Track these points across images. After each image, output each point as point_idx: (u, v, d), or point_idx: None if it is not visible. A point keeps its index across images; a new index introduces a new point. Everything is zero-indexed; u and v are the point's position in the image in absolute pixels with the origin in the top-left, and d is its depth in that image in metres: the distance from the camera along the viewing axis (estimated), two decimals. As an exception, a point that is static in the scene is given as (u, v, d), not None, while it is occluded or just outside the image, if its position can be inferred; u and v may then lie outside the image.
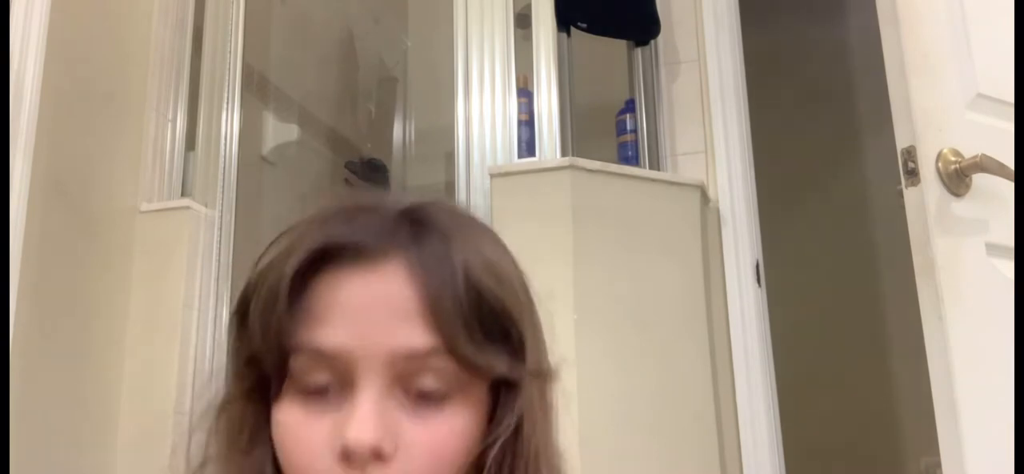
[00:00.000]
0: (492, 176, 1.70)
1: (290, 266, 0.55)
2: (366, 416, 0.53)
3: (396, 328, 0.55)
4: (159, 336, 1.75)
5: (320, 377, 0.55)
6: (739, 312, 1.77)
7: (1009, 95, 1.40)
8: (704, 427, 1.66)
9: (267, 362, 0.56)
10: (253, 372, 0.58)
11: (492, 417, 0.58)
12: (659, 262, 1.71)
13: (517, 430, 0.58)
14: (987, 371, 1.25)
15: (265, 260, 0.58)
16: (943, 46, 1.37)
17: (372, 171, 2.49)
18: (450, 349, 0.55)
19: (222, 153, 1.94)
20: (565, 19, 1.84)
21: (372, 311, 0.55)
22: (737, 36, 1.98)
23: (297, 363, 0.55)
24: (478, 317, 0.56)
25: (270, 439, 0.57)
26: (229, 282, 1.85)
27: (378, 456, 0.53)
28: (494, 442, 0.57)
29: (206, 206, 1.87)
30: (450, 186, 1.82)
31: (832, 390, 2.72)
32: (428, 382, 0.55)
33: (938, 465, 1.23)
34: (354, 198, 0.60)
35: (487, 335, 0.56)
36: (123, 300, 1.75)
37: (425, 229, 0.58)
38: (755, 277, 1.82)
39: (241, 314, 0.59)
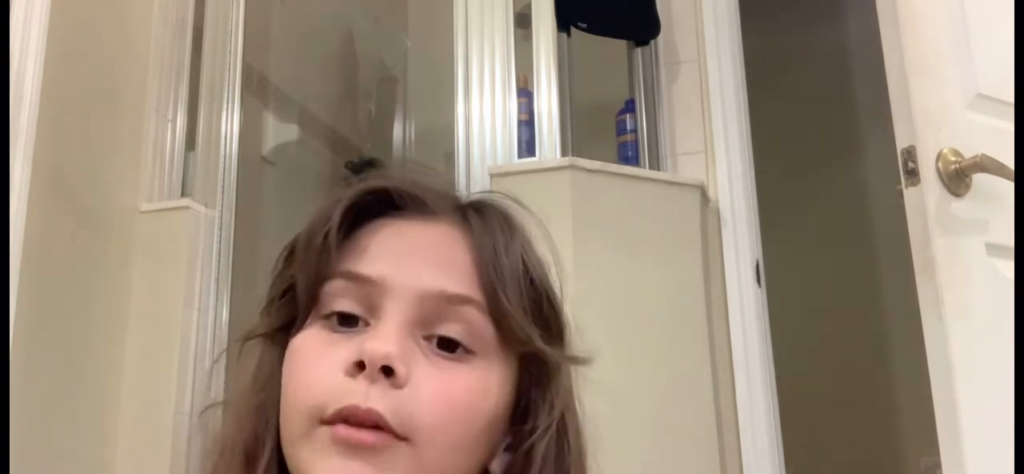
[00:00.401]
0: (492, 176, 1.70)
1: (346, 198, 0.56)
2: (388, 332, 0.52)
3: (438, 270, 0.55)
4: (159, 336, 1.75)
5: (347, 304, 0.55)
6: (739, 312, 1.77)
7: (1009, 95, 1.40)
8: (704, 427, 1.66)
9: (300, 285, 0.56)
10: (282, 310, 0.58)
11: (522, 404, 0.57)
12: (659, 262, 1.71)
13: (560, 424, 0.57)
14: (987, 371, 1.25)
15: (328, 201, 0.58)
16: (943, 46, 1.37)
17: (372, 171, 2.48)
18: (492, 305, 0.54)
19: (222, 153, 1.94)
20: (565, 19, 1.84)
21: (418, 251, 0.55)
22: (737, 36, 1.98)
23: (330, 287, 0.55)
24: (524, 290, 0.56)
25: (280, 380, 0.56)
26: (229, 282, 1.85)
27: (389, 373, 0.51)
28: (540, 431, 0.56)
29: (206, 206, 1.87)
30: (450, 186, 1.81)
31: (832, 390, 2.72)
32: (454, 329, 0.54)
33: (938, 465, 1.23)
34: (418, 172, 0.62)
35: (529, 311, 0.56)
36: (123, 300, 1.75)
37: (485, 207, 0.59)
38: (755, 277, 1.82)
39: (290, 250, 0.59)
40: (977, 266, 1.30)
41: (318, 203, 0.59)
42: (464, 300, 0.54)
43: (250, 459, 0.55)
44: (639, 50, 1.95)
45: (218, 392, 0.63)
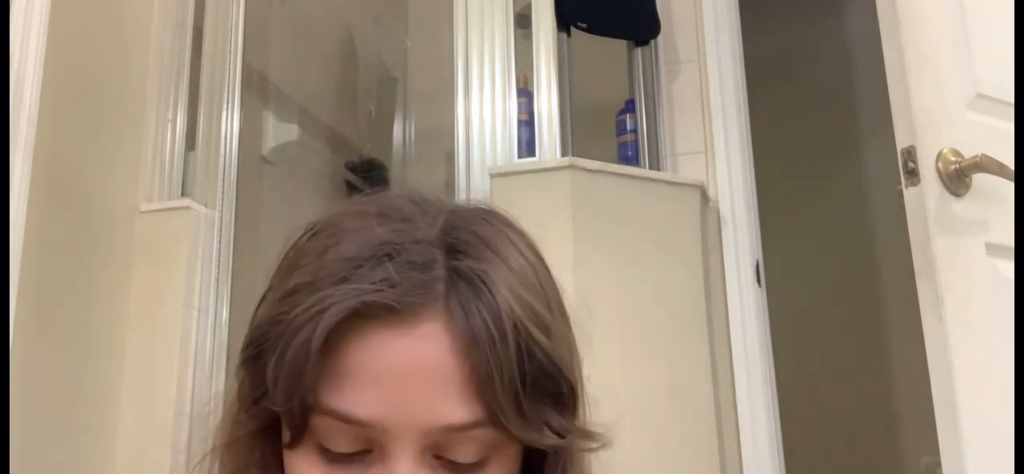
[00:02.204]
0: (492, 176, 1.70)
1: (319, 333, 0.49)
2: None
3: (435, 400, 0.50)
4: (159, 336, 1.75)
5: (346, 442, 0.51)
6: (739, 312, 1.77)
7: (1009, 95, 1.40)
8: (704, 427, 1.66)
9: (286, 418, 0.52)
10: (265, 414, 0.54)
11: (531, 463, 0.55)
12: (659, 262, 1.71)
13: None
14: (987, 371, 1.25)
15: (280, 296, 0.53)
16: (943, 46, 1.37)
17: (372, 171, 2.49)
18: (494, 423, 0.50)
19: (222, 153, 1.94)
20: (565, 19, 1.84)
21: (408, 380, 0.50)
22: (737, 36, 1.98)
23: (322, 424, 0.51)
24: (528, 384, 0.51)
25: None
26: (229, 282, 1.85)
27: None
28: None
29: (206, 206, 1.87)
30: (450, 186, 1.82)
31: (832, 390, 2.72)
32: (466, 452, 0.52)
33: (938, 465, 1.23)
34: (382, 222, 0.54)
35: (535, 400, 0.52)
36: (123, 300, 1.75)
37: (463, 273, 0.52)
38: (755, 277, 1.82)
39: (252, 357, 0.54)
40: (977, 266, 1.30)
41: (287, 254, 0.55)
42: (471, 426, 0.51)
43: None
44: (639, 50, 1.95)
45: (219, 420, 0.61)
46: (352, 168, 2.46)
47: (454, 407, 0.50)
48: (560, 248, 1.61)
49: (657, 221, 1.74)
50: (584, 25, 1.87)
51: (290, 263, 0.55)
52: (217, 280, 1.84)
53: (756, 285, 1.81)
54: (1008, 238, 1.34)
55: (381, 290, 0.50)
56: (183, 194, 1.89)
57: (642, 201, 1.74)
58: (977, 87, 1.39)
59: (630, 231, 1.70)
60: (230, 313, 1.84)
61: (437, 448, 0.51)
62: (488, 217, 0.57)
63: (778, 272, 2.02)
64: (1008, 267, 1.32)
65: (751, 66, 2.02)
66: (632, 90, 1.93)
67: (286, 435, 0.53)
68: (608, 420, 0.61)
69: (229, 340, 1.82)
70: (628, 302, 1.65)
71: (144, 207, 1.83)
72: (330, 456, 0.51)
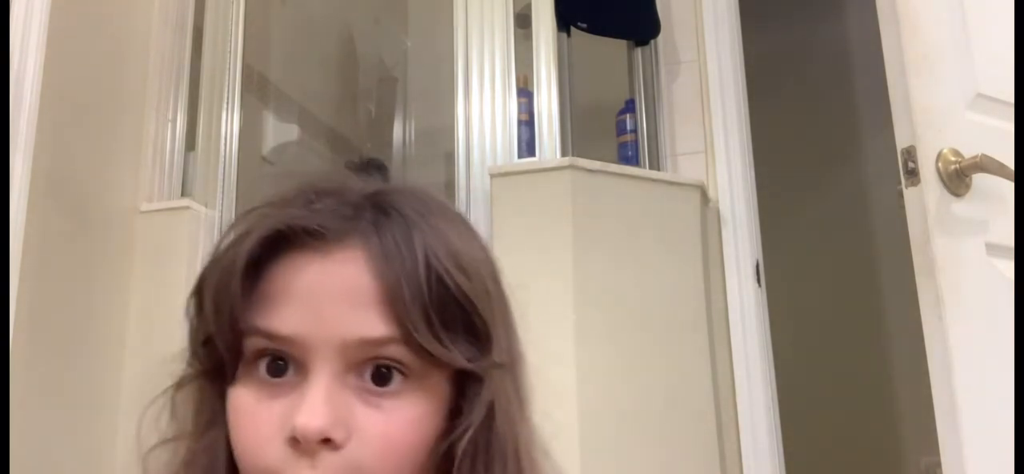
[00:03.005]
0: (492, 176, 1.70)
1: (245, 248, 0.54)
2: (316, 402, 0.52)
3: (352, 315, 0.53)
4: (159, 336, 1.75)
5: (274, 362, 0.55)
6: (739, 312, 1.77)
7: (1009, 95, 1.40)
8: (704, 427, 1.66)
9: (221, 343, 0.56)
10: (210, 353, 0.57)
11: (457, 409, 0.57)
12: (659, 262, 1.71)
13: (489, 423, 0.57)
14: (987, 371, 1.25)
15: (225, 242, 0.57)
16: (943, 46, 1.37)
17: (372, 171, 2.48)
18: (407, 339, 0.53)
19: (222, 153, 1.93)
20: (565, 19, 1.84)
21: (328, 297, 0.54)
22: (737, 36, 1.98)
23: (252, 343, 0.55)
24: (439, 307, 0.54)
25: (226, 421, 0.56)
26: (229, 282, 1.85)
27: (327, 442, 0.52)
28: (463, 434, 0.56)
29: (206, 206, 1.87)
30: (450, 186, 1.81)
31: (832, 390, 2.72)
32: (383, 370, 0.54)
33: (938, 465, 1.23)
34: (319, 180, 0.59)
35: (448, 325, 0.55)
36: (123, 300, 1.75)
37: (388, 215, 0.56)
38: (755, 277, 1.82)
39: (198, 295, 0.58)
40: (977, 266, 1.30)
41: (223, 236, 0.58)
42: (386, 341, 0.54)
43: None
44: (639, 50, 1.95)
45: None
46: (352, 168, 2.45)
47: (369, 322, 0.53)
48: (560, 248, 1.61)
49: (657, 221, 1.74)
50: (584, 25, 1.87)
51: (231, 225, 0.59)
52: (217, 280, 1.83)
53: (756, 285, 1.81)
54: (1008, 238, 1.34)
55: (307, 215, 0.55)
56: (183, 194, 1.89)
57: (642, 201, 1.74)
58: (977, 87, 1.39)
59: (630, 231, 1.70)
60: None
61: (358, 366, 0.54)
62: (421, 194, 0.61)
63: (778, 272, 2.02)
64: (1008, 267, 1.32)
65: (751, 66, 2.02)
66: (632, 90, 1.93)
67: (228, 370, 0.56)
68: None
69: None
70: (628, 302, 1.65)
71: (144, 207, 1.83)
72: (261, 383, 0.55)
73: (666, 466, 1.61)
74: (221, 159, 1.93)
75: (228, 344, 0.55)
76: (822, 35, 3.09)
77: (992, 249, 1.32)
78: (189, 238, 1.80)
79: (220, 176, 1.91)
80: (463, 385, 0.57)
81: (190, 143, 1.94)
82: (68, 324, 1.62)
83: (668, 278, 1.71)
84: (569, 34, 1.85)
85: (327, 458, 0.52)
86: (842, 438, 2.71)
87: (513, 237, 1.63)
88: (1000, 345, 1.27)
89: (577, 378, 1.52)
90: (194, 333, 0.59)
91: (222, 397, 0.57)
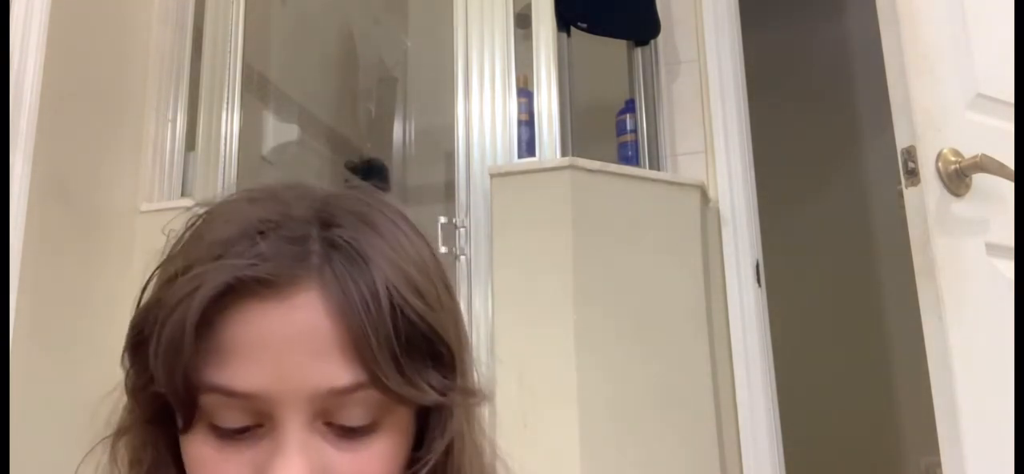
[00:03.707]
0: (492, 176, 1.70)
1: (194, 306, 0.50)
2: (291, 455, 0.50)
3: (316, 365, 0.51)
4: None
5: (234, 416, 0.51)
6: (739, 312, 1.77)
7: (1009, 95, 1.40)
8: (704, 427, 1.66)
9: (173, 400, 0.52)
10: (152, 401, 0.54)
11: (419, 437, 0.56)
12: (659, 262, 1.71)
13: (447, 452, 0.56)
14: (987, 371, 1.25)
15: (159, 283, 0.55)
16: (943, 46, 1.37)
17: (372, 171, 2.49)
18: (375, 384, 0.51)
19: (222, 153, 1.93)
20: (565, 19, 1.83)
21: (288, 348, 0.50)
22: (737, 36, 1.98)
23: (209, 401, 0.51)
24: (404, 344, 0.52)
25: (174, 466, 0.54)
26: (229, 282, 1.85)
27: None
28: (424, 465, 0.55)
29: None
30: (450, 186, 1.81)
31: (832, 390, 2.72)
32: (354, 416, 0.52)
33: (938, 465, 1.23)
34: (260, 209, 0.54)
35: (415, 360, 0.53)
36: (123, 300, 1.75)
37: (338, 244, 0.53)
38: (755, 277, 1.82)
39: (135, 345, 0.55)
40: (977, 266, 1.30)
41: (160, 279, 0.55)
42: (354, 388, 0.51)
43: None
44: (639, 50, 1.95)
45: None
46: (352, 168, 2.46)
47: (335, 370, 0.51)
48: (560, 248, 1.61)
49: (657, 221, 1.74)
50: (584, 25, 1.87)
51: (169, 253, 0.57)
52: (217, 280, 1.83)
53: (756, 285, 1.81)
54: (1008, 238, 1.34)
55: (255, 263, 0.51)
56: (183, 194, 1.89)
57: (642, 201, 1.74)
58: (977, 87, 1.39)
59: (630, 231, 1.70)
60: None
61: (326, 415, 0.52)
62: (365, 197, 0.58)
63: (778, 272, 2.02)
64: (1008, 267, 1.32)
65: (751, 66, 2.02)
66: (632, 90, 1.93)
67: (179, 419, 0.53)
68: (488, 379, 0.61)
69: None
70: (628, 302, 1.65)
71: (144, 207, 1.83)
72: (222, 433, 0.52)
73: (666, 466, 1.61)
74: (221, 159, 1.93)
75: (182, 401, 0.52)
76: (822, 35, 3.09)
77: (992, 249, 1.32)
78: (189, 238, 1.80)
79: (220, 176, 1.91)
80: (427, 413, 0.56)
81: (190, 143, 1.94)
82: (68, 323, 1.62)
83: (668, 278, 1.71)
84: (569, 34, 1.85)
85: None
86: (842, 438, 2.71)
87: (513, 237, 1.63)
88: (1000, 345, 1.27)
89: (577, 378, 1.51)
90: (133, 382, 0.56)
91: (167, 442, 0.55)
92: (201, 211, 0.58)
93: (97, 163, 1.73)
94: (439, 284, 0.57)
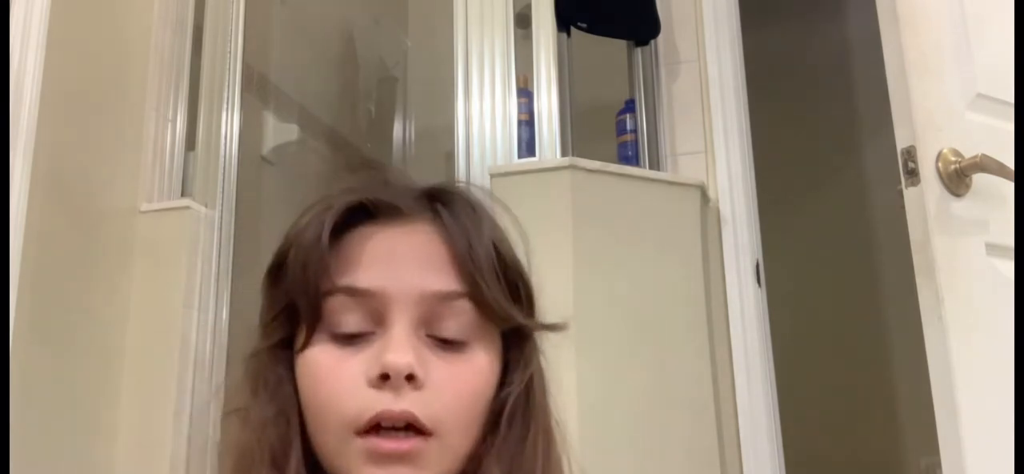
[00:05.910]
0: (492, 176, 1.70)
1: (330, 217, 0.61)
2: (402, 342, 0.58)
3: (427, 273, 0.60)
4: (159, 336, 1.75)
5: (353, 318, 0.60)
6: (739, 312, 1.77)
7: (1009, 95, 1.40)
8: (704, 427, 1.66)
9: (302, 305, 0.60)
10: (281, 326, 0.63)
11: (504, 369, 0.64)
12: (659, 262, 1.71)
13: (527, 389, 0.63)
14: (987, 371, 1.25)
15: (303, 219, 0.63)
16: (943, 46, 1.37)
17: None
18: (477, 295, 0.60)
19: (222, 153, 1.94)
20: (565, 19, 1.83)
21: (405, 258, 0.61)
22: (737, 36, 1.98)
23: (332, 304, 0.60)
24: (500, 272, 0.62)
25: (294, 387, 0.61)
26: (229, 282, 1.85)
27: (411, 380, 0.57)
28: (512, 390, 0.62)
29: (206, 206, 1.87)
30: (450, 186, 1.81)
31: (832, 390, 2.72)
32: (451, 326, 0.60)
33: (938, 465, 1.23)
34: (385, 173, 0.68)
35: (507, 289, 0.62)
36: (123, 300, 1.75)
37: (451, 203, 0.64)
38: (755, 277, 1.82)
39: (276, 270, 0.64)
40: (977, 266, 1.30)
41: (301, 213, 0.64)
42: (456, 295, 0.60)
43: (277, 464, 0.60)
44: (639, 50, 1.95)
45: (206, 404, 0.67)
46: (352, 168, 2.46)
47: (443, 278, 0.61)
48: (560, 248, 1.61)
49: (657, 221, 1.74)
50: (584, 25, 1.87)
51: (304, 209, 0.65)
52: (217, 280, 1.83)
53: (756, 285, 1.81)
54: (1008, 238, 1.34)
55: (383, 192, 0.63)
56: (183, 194, 1.89)
57: (642, 201, 1.74)
58: (977, 87, 1.39)
59: (630, 231, 1.70)
60: (230, 313, 1.84)
61: (429, 324, 0.60)
62: (472, 192, 0.68)
63: (778, 272, 2.02)
64: (1008, 267, 1.32)
65: (751, 66, 2.02)
66: (632, 90, 1.93)
67: (300, 338, 0.61)
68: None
69: (229, 340, 1.82)
70: (628, 302, 1.65)
71: (144, 207, 1.83)
72: (340, 340, 0.60)
73: (666, 466, 1.61)
74: (221, 159, 1.93)
75: (309, 305, 0.60)
76: (822, 35, 3.09)
77: (992, 249, 1.32)
78: (189, 238, 1.80)
79: (220, 176, 1.91)
80: (509, 347, 0.64)
81: (190, 143, 1.94)
82: (68, 323, 1.62)
83: (668, 278, 1.71)
84: (569, 34, 1.85)
85: (410, 394, 0.57)
86: (842, 438, 2.71)
87: (513, 237, 1.63)
88: (1000, 345, 1.27)
89: (577, 378, 1.51)
90: (267, 307, 0.64)
91: (288, 366, 0.62)
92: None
93: (97, 163, 1.73)
94: (521, 257, 0.67)
